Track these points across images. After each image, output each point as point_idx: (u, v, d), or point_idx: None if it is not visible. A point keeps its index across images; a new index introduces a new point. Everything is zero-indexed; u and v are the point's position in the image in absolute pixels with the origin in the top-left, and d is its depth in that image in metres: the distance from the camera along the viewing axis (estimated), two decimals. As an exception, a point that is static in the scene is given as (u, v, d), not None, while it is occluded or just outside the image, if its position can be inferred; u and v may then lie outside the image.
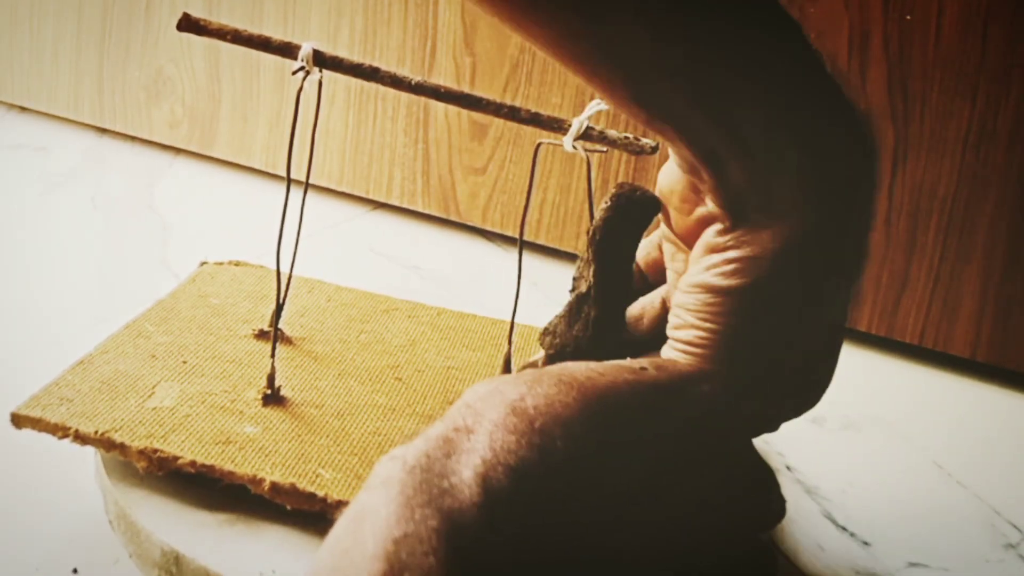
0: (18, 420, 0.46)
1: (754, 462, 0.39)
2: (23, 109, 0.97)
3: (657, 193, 0.42)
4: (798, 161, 0.36)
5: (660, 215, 0.42)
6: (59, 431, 0.45)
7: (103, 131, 0.94)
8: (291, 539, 0.44)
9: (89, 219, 0.80)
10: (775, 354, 0.37)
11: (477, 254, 0.81)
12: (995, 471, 0.60)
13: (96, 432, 0.45)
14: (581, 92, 0.75)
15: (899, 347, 0.71)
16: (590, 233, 0.44)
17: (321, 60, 0.49)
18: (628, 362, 0.36)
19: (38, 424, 0.46)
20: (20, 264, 0.72)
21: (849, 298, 0.38)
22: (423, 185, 0.82)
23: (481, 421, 0.32)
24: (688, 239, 0.40)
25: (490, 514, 0.30)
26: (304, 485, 0.44)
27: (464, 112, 0.77)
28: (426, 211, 0.83)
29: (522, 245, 0.52)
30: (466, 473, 0.30)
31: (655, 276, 0.45)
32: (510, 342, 0.53)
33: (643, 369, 0.36)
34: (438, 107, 0.80)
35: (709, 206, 0.37)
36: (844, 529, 0.53)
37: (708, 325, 0.37)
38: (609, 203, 0.44)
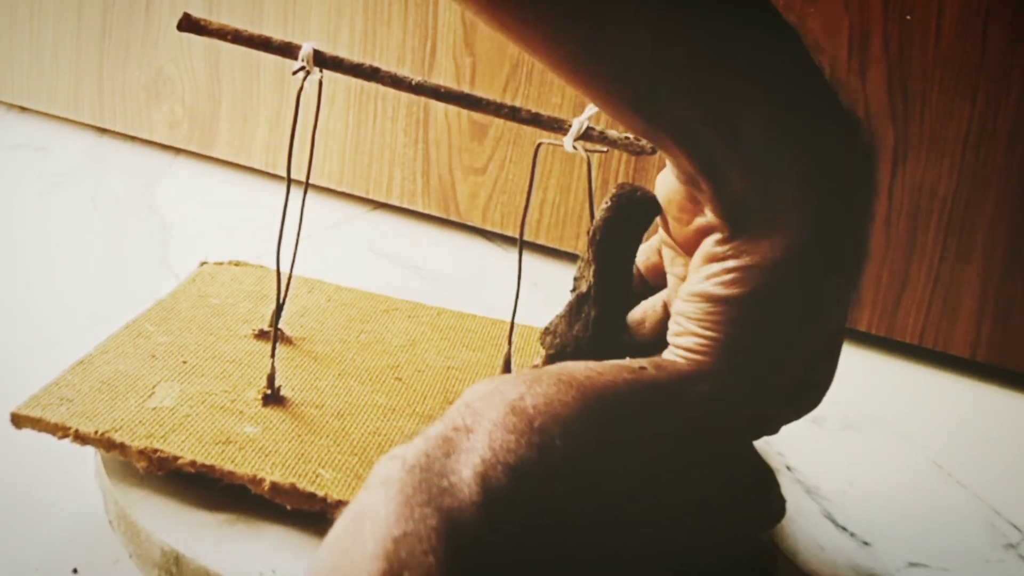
0: (18, 420, 0.46)
1: (754, 462, 0.39)
2: (23, 109, 0.97)
3: None
4: (797, 166, 0.36)
5: (659, 221, 0.42)
6: (59, 431, 0.45)
7: (103, 131, 0.94)
8: (291, 539, 0.44)
9: (89, 219, 0.80)
10: (775, 360, 0.37)
11: (477, 254, 0.81)
12: (995, 471, 0.60)
13: (96, 432, 0.45)
14: (581, 92, 0.75)
15: (899, 347, 0.71)
16: (590, 233, 0.44)
17: (321, 60, 0.49)
18: (627, 362, 0.37)
19: (38, 424, 0.46)
20: (20, 264, 0.72)
21: (849, 303, 0.38)
22: (423, 185, 0.82)
23: (480, 420, 0.32)
24: (687, 247, 0.40)
25: (489, 513, 0.30)
26: (304, 485, 0.44)
27: (464, 112, 0.77)
28: (426, 211, 0.83)
29: (522, 245, 0.52)
30: (465, 472, 0.30)
31: (655, 280, 0.45)
32: (510, 342, 0.53)
33: (642, 368, 0.36)
34: (438, 107, 0.80)
35: (708, 216, 0.37)
36: (844, 529, 0.53)
37: (709, 333, 0.37)
38: (610, 203, 0.44)
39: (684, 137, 0.36)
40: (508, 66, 0.77)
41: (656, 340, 0.41)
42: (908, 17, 0.65)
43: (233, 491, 0.44)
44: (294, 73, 0.49)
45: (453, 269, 0.78)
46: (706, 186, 0.36)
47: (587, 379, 0.34)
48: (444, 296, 0.70)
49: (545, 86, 0.76)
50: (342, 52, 0.50)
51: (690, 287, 0.37)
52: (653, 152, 0.47)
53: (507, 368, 0.53)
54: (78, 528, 0.49)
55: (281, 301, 0.52)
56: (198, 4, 0.85)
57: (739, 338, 0.36)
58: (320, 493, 0.44)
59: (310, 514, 0.44)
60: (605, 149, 0.48)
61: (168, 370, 0.51)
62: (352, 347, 0.56)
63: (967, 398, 0.68)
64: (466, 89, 0.49)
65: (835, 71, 0.67)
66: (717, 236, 0.37)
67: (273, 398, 0.50)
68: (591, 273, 0.43)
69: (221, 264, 0.62)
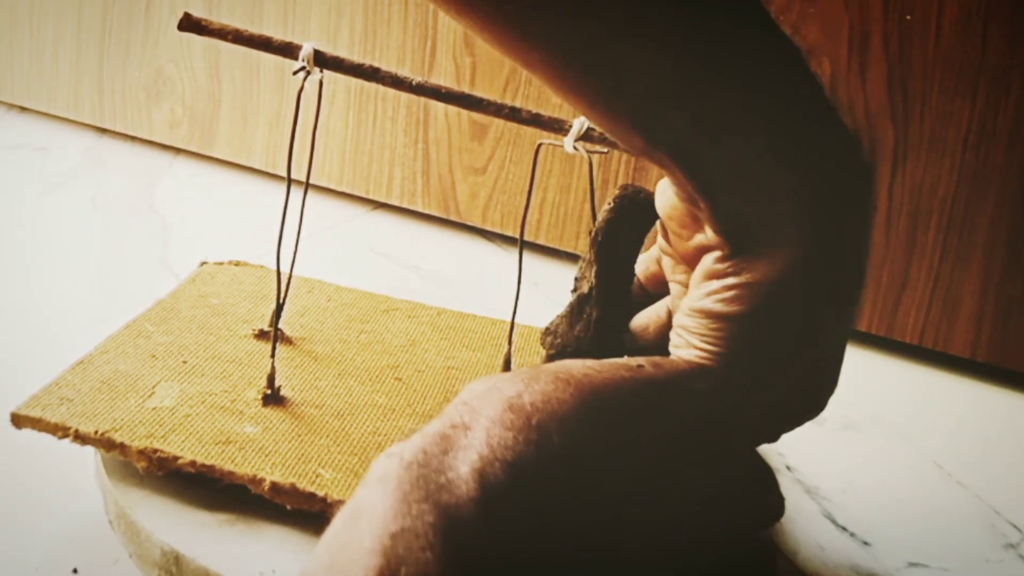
0: (18, 420, 0.46)
1: (753, 461, 0.39)
2: (23, 109, 0.97)
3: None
4: (796, 185, 0.36)
5: (659, 230, 0.42)
6: (59, 431, 0.45)
7: (103, 131, 0.94)
8: (291, 539, 0.44)
9: (89, 219, 0.80)
10: (775, 375, 0.37)
11: (477, 254, 0.81)
12: (995, 471, 0.60)
13: (96, 432, 0.45)
14: (581, 92, 0.75)
15: (899, 347, 0.71)
16: (592, 234, 0.44)
17: (322, 60, 0.49)
18: (625, 360, 0.37)
19: (38, 424, 0.46)
20: (20, 264, 0.72)
21: (850, 319, 0.38)
22: (423, 185, 0.82)
23: (478, 418, 0.32)
24: (688, 262, 0.40)
25: (487, 509, 0.30)
26: (304, 485, 0.44)
27: (464, 112, 0.77)
28: (426, 211, 0.83)
29: (522, 245, 0.52)
30: (463, 469, 0.30)
31: (655, 289, 0.45)
32: (510, 342, 0.53)
33: (640, 367, 0.36)
34: (438, 107, 0.80)
35: (708, 233, 0.37)
36: (844, 529, 0.53)
37: (709, 348, 0.37)
38: (612, 205, 0.44)
39: (681, 156, 0.36)
40: (508, 66, 0.77)
41: (659, 345, 0.42)
42: (908, 17, 0.65)
43: (233, 491, 0.44)
44: (295, 73, 0.49)
45: (453, 269, 0.78)
46: (704, 205, 0.37)
47: (585, 377, 0.34)
48: (444, 296, 0.70)
49: (545, 87, 0.76)
50: (342, 52, 0.50)
51: (691, 303, 0.38)
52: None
53: (507, 368, 0.53)
54: (78, 528, 0.48)
55: (281, 301, 0.52)
56: (198, 4, 0.85)
57: (739, 355, 0.37)
58: (320, 493, 0.44)
59: (310, 514, 0.44)
60: (605, 150, 0.48)
61: (168, 370, 0.51)
62: (352, 347, 0.56)
63: (967, 398, 0.68)
64: (466, 89, 0.49)
65: (835, 71, 0.67)
66: (717, 254, 0.37)
67: (273, 398, 0.50)
68: (593, 274, 0.44)
69: (221, 264, 0.62)
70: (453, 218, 0.82)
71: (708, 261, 0.37)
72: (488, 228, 0.81)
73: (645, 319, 0.44)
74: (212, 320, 0.56)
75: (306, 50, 0.49)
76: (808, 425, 0.40)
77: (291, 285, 0.53)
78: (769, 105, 0.36)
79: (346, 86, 0.82)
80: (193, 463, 0.44)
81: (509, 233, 0.80)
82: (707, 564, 0.36)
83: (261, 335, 0.55)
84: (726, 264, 0.37)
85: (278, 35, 0.50)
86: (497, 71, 0.77)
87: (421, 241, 0.82)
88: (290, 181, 0.50)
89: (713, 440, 0.36)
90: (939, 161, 0.67)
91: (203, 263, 0.62)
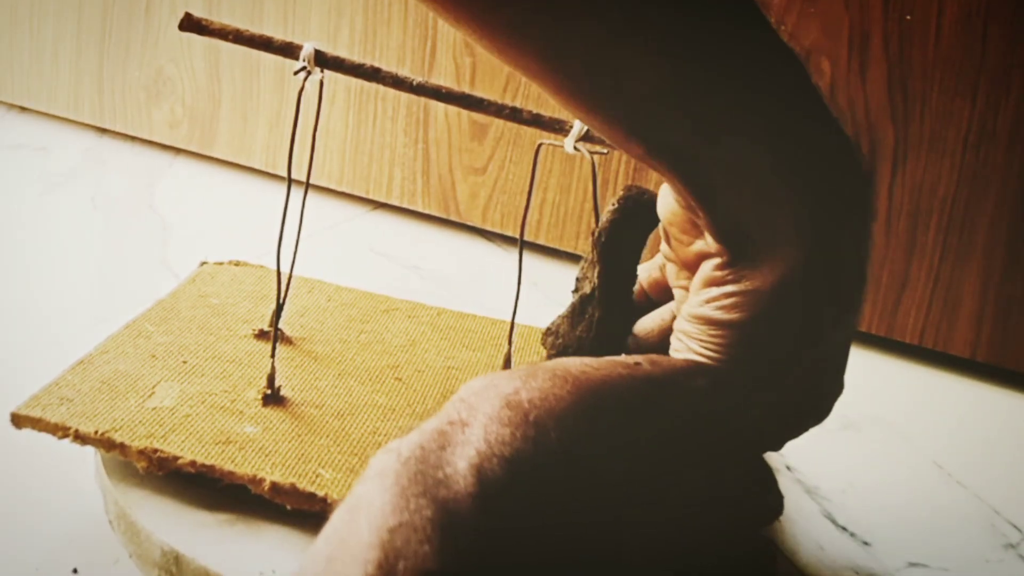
0: (18, 420, 0.46)
1: (753, 461, 0.39)
2: (23, 109, 0.97)
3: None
4: (794, 193, 0.36)
5: (662, 235, 0.42)
6: (59, 431, 0.45)
7: (103, 131, 0.94)
8: (291, 539, 0.44)
9: (89, 219, 0.80)
10: (775, 376, 0.37)
11: (477, 254, 0.81)
12: (995, 471, 0.60)
13: (96, 432, 0.45)
14: (581, 92, 0.75)
15: (899, 347, 0.71)
16: (595, 235, 0.44)
17: (323, 60, 0.49)
18: (623, 357, 0.37)
19: (38, 424, 0.46)
20: (20, 264, 0.72)
21: (851, 326, 0.38)
22: (423, 185, 0.82)
23: (476, 414, 0.32)
24: (689, 267, 0.40)
25: (484, 504, 0.30)
26: (304, 485, 0.44)
27: (464, 112, 0.77)
28: (426, 211, 0.83)
29: (522, 245, 0.52)
30: (461, 464, 0.30)
31: (658, 296, 0.45)
32: (510, 342, 0.53)
33: (637, 364, 0.36)
34: (438, 107, 0.80)
35: (708, 240, 0.37)
36: (844, 529, 0.53)
37: (709, 353, 0.37)
38: (616, 205, 0.44)
39: (680, 162, 0.36)
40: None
41: (661, 349, 0.42)
42: (908, 17, 0.65)
43: (233, 491, 0.44)
44: (295, 73, 0.49)
45: (453, 269, 0.78)
46: (703, 213, 0.37)
47: (582, 374, 0.34)
48: (444, 296, 0.70)
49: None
50: (342, 52, 0.50)
51: (691, 308, 0.38)
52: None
53: (507, 368, 0.53)
54: (78, 528, 0.48)
55: (281, 301, 0.52)
56: (198, 4, 0.85)
57: (739, 362, 0.37)
58: (320, 493, 0.44)
59: (310, 514, 0.44)
60: (606, 151, 0.48)
61: (168, 370, 0.51)
62: (352, 347, 0.56)
63: (967, 398, 0.68)
64: (466, 90, 0.49)
65: (835, 71, 0.67)
66: (716, 260, 0.37)
67: (273, 398, 0.50)
68: (595, 274, 0.44)
69: (221, 264, 0.62)
70: (453, 218, 0.82)
71: (707, 268, 0.37)
72: (488, 228, 0.81)
73: (650, 323, 0.44)
74: (212, 320, 0.56)
75: (307, 50, 0.49)
76: (808, 424, 0.40)
77: (291, 285, 0.53)
78: (769, 105, 0.36)
79: (346, 86, 0.82)
80: (193, 463, 0.44)
81: (509, 233, 0.80)
82: (707, 564, 0.36)
83: (261, 335, 0.55)
84: (725, 271, 0.37)
85: (278, 35, 0.50)
86: (497, 71, 0.77)
87: (421, 241, 0.82)
88: (290, 181, 0.50)
89: (713, 441, 0.36)
90: (939, 161, 0.67)
91: (203, 263, 0.62)
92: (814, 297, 0.36)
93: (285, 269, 0.52)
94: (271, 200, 0.83)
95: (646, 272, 0.45)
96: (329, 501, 0.43)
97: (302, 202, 0.51)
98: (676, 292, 0.42)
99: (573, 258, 0.78)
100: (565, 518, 0.32)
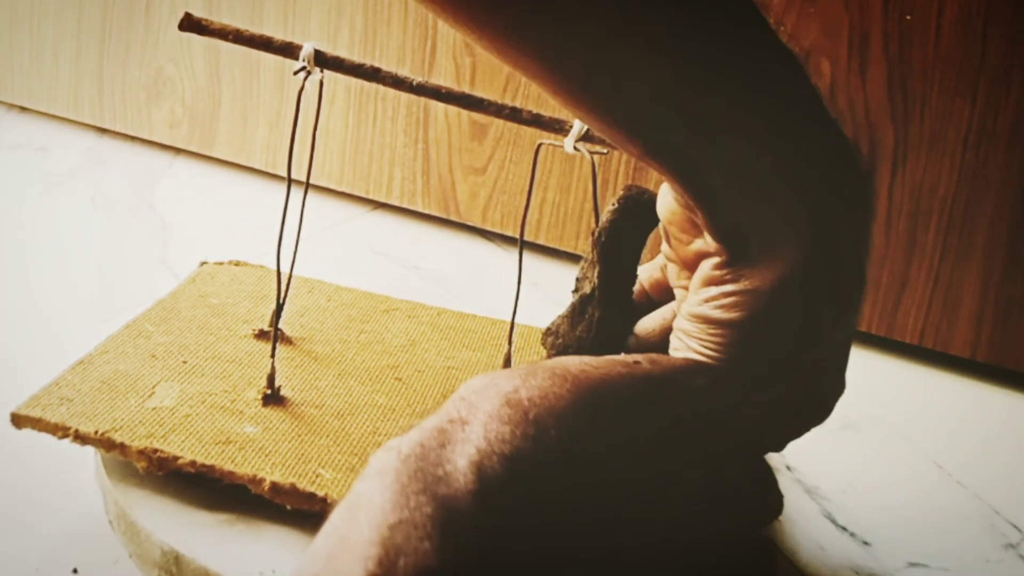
0: (18, 420, 0.46)
1: (753, 461, 0.39)
2: (23, 109, 0.97)
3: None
4: (793, 193, 0.36)
5: (662, 235, 0.42)
6: (59, 431, 0.45)
7: (103, 131, 0.94)
8: (291, 539, 0.44)
9: (89, 219, 0.80)
10: (775, 375, 0.37)
11: (477, 254, 0.81)
12: (995, 471, 0.60)
13: (96, 432, 0.45)
14: (581, 92, 0.75)
15: (899, 347, 0.71)
16: (596, 235, 0.44)
17: (323, 60, 0.49)
18: (622, 356, 0.37)
19: (38, 424, 0.46)
20: (20, 264, 0.72)
21: (850, 326, 0.38)
22: (423, 185, 0.82)
23: (475, 412, 0.32)
24: (689, 266, 0.40)
25: (484, 501, 0.30)
26: (304, 485, 0.44)
27: (464, 112, 0.77)
28: (426, 211, 0.83)
29: (522, 245, 0.52)
30: (461, 462, 0.31)
31: (659, 296, 0.45)
32: (510, 342, 0.53)
33: (637, 362, 0.36)
34: (438, 107, 0.80)
35: (707, 239, 0.37)
36: (844, 529, 0.53)
37: (708, 352, 0.37)
38: (616, 205, 0.44)
39: (680, 162, 0.36)
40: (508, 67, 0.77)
41: (662, 348, 0.42)
42: (908, 17, 0.65)
43: (233, 491, 0.44)
44: (295, 73, 0.49)
45: (453, 269, 0.78)
46: (701, 213, 0.37)
47: (581, 372, 0.34)
48: (444, 296, 0.70)
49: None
50: (342, 52, 0.50)
51: (690, 308, 0.38)
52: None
53: (507, 368, 0.53)
54: (78, 528, 0.48)
55: (281, 301, 0.52)
56: (198, 4, 0.85)
57: (738, 362, 0.37)
58: (320, 493, 0.44)
59: (310, 514, 0.44)
60: (606, 150, 0.48)
61: (168, 370, 0.51)
62: (352, 347, 0.56)
63: (967, 398, 0.68)
64: (466, 90, 0.49)
65: (835, 71, 0.67)
66: (715, 260, 0.37)
67: (273, 398, 0.50)
68: (595, 274, 0.44)
69: (221, 264, 0.62)
70: (453, 218, 0.82)
71: (707, 267, 0.37)
72: (488, 228, 0.81)
73: (651, 322, 0.44)
74: (212, 320, 0.56)
75: (307, 50, 0.49)
76: (808, 425, 0.40)
77: (291, 285, 0.53)
78: (768, 106, 0.36)
79: (346, 86, 0.82)
80: (193, 463, 0.44)
81: (509, 233, 0.80)
82: (707, 564, 0.36)
83: (261, 335, 0.55)
84: (724, 271, 0.37)
85: (278, 35, 0.50)
86: (497, 71, 0.77)
87: (421, 241, 0.82)
88: (290, 181, 0.50)
89: (713, 440, 0.36)
90: (939, 161, 0.67)
91: (203, 263, 0.62)
92: (814, 297, 0.37)
93: (285, 269, 0.52)
94: (271, 200, 0.83)
95: (647, 272, 0.45)
96: (329, 501, 0.43)
97: (302, 202, 0.51)
98: (677, 292, 0.42)
99: (573, 258, 0.78)
100: (565, 516, 0.32)
